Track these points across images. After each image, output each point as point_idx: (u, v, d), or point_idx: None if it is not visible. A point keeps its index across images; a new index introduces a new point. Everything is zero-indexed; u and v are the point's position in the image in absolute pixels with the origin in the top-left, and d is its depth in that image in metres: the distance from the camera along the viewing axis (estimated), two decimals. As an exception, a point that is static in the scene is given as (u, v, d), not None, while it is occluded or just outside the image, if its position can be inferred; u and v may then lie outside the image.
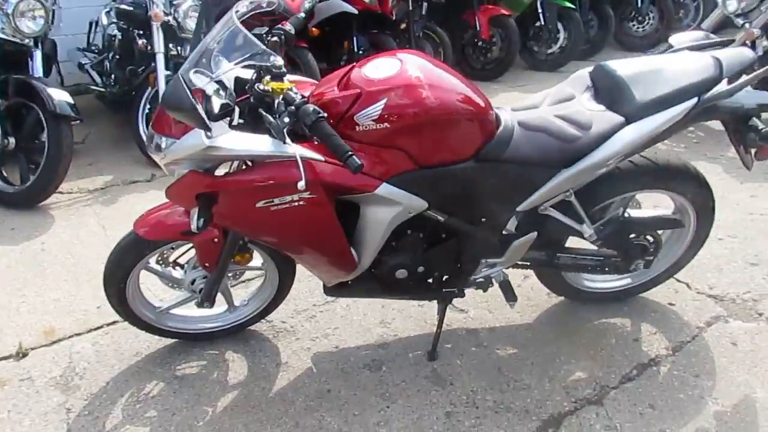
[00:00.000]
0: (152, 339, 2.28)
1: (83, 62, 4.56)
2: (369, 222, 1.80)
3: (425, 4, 5.17)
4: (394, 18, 4.73)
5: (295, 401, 2.02)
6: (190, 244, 2.04)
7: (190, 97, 1.41)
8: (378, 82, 1.66)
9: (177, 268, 2.13)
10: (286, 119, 1.53)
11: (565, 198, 1.89)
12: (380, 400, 2.01)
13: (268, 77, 1.65)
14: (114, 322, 2.38)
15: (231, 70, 1.61)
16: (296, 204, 1.67)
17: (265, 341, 2.30)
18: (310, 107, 1.50)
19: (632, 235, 2.09)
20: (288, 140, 1.52)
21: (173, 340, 2.28)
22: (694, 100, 1.77)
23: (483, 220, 1.89)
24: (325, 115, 1.51)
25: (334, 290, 2.07)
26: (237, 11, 1.71)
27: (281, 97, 1.58)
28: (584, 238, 2.00)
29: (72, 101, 3.25)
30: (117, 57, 4.20)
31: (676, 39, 3.77)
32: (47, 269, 2.75)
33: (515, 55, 5.43)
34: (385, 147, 1.68)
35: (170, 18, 3.79)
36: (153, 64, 3.82)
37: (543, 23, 5.58)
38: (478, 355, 2.19)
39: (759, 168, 3.53)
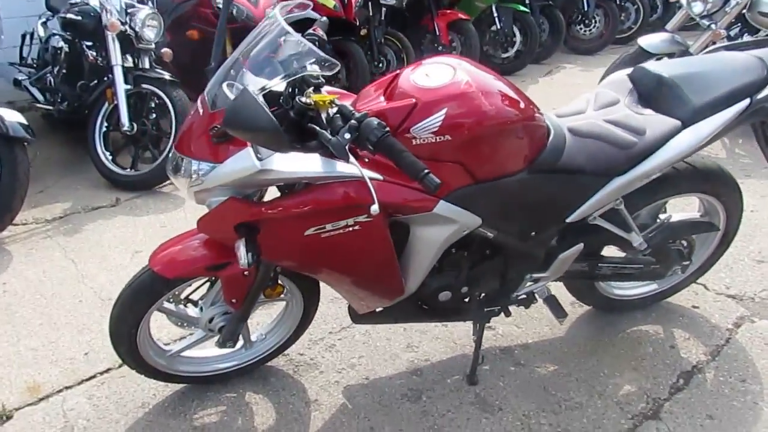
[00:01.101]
0: (157, 386, 2.03)
1: (20, 78, 4.16)
2: (421, 243, 1.65)
3: (384, 10, 5.05)
4: (357, 24, 4.60)
5: (337, 444, 1.83)
6: (203, 279, 1.83)
7: (270, 114, 1.22)
8: (435, 91, 1.51)
9: (190, 305, 1.90)
10: (347, 135, 1.35)
11: (614, 206, 1.81)
12: (430, 434, 1.86)
13: (310, 89, 1.48)
14: (108, 370, 2.12)
15: (276, 83, 1.42)
16: (351, 229, 1.50)
17: (286, 378, 2.09)
18: (374, 121, 1.33)
19: (671, 241, 2.04)
20: (352, 159, 1.35)
21: (182, 385, 2.04)
22: (747, 101, 1.73)
23: (533, 234, 1.78)
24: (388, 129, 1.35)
25: (364, 317, 1.90)
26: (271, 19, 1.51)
27: (335, 110, 1.41)
28: (633, 248, 1.92)
29: (25, 121, 2.91)
30: (63, 71, 3.84)
31: (646, 41, 3.88)
32: (16, 313, 2.42)
33: (475, 59, 5.39)
34: (443, 161, 1.53)
35: (127, 27, 3.50)
36: (107, 78, 3.51)
37: (499, 28, 5.60)
38: (520, 375, 2.07)
39: (737, 164, 3.67)
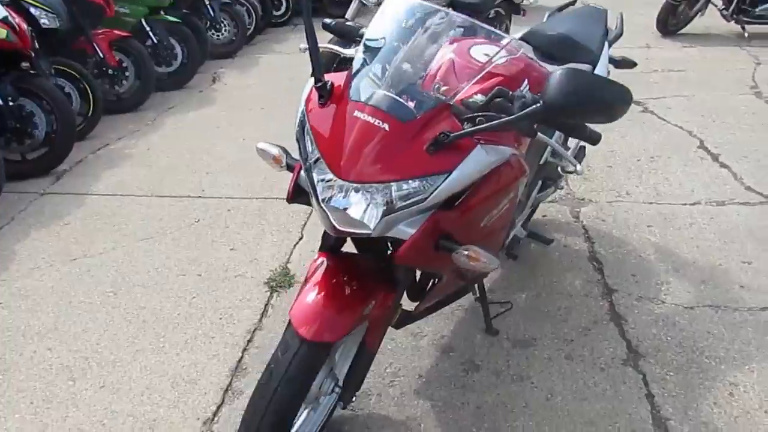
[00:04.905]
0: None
1: None
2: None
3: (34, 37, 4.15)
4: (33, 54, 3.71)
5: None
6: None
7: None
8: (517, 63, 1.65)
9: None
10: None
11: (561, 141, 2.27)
12: None
13: None
14: None
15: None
16: (511, 195, 1.55)
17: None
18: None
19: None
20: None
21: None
22: (606, 43, 2.39)
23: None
24: None
25: (402, 321, 1.88)
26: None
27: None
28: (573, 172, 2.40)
29: None
30: None
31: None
32: None
33: (153, 77, 4.99)
34: None
35: None
36: None
37: (155, 42, 5.25)
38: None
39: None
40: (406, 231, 1.35)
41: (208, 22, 6.42)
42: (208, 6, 6.37)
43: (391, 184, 1.29)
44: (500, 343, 2.23)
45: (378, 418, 1.93)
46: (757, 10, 6.21)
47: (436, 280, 1.75)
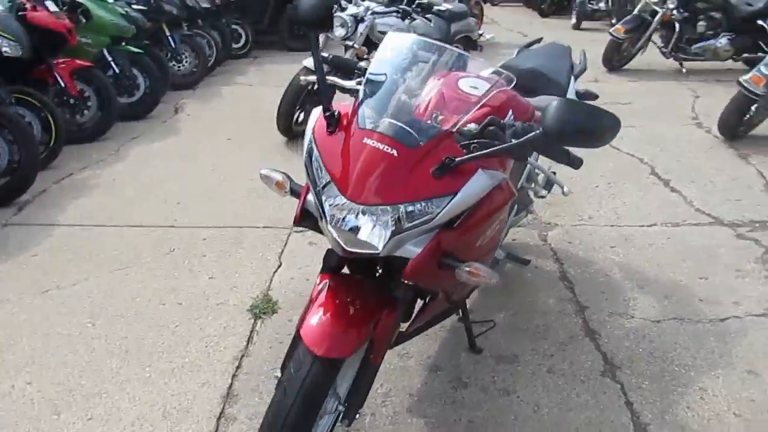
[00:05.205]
0: None
1: None
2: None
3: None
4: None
5: None
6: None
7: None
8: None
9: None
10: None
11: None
12: None
13: None
14: None
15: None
16: (501, 217, 1.66)
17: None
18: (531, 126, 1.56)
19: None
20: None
21: None
22: (572, 77, 2.56)
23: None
24: None
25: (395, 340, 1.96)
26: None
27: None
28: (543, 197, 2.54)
29: None
30: None
31: (310, 61, 4.48)
32: None
33: (116, 107, 4.94)
34: None
35: None
36: None
37: (117, 72, 5.23)
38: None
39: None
40: (413, 250, 1.43)
41: (169, 53, 6.43)
42: (169, 37, 6.40)
43: (400, 205, 1.37)
44: (485, 360, 2.31)
45: (374, 438, 1.98)
46: (692, 48, 6.70)
47: (427, 300, 1.83)
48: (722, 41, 6.52)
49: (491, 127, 1.53)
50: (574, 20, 11.32)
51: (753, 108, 4.41)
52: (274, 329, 2.51)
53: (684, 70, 6.78)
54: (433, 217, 1.38)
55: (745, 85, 4.20)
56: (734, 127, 4.51)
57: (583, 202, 3.63)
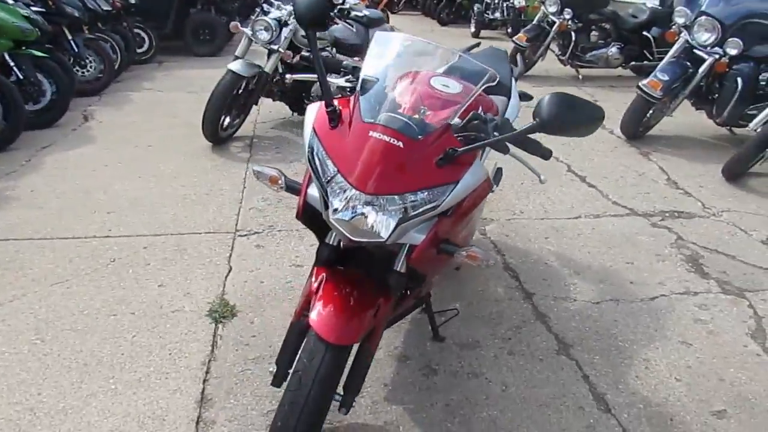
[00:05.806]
0: None
1: None
2: None
3: None
4: None
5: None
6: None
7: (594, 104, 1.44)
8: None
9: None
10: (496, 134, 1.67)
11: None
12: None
13: None
14: None
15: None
16: (482, 206, 1.79)
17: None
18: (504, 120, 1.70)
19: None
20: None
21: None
22: (513, 79, 2.76)
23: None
24: None
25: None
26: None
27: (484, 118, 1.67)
28: None
29: None
30: None
31: (235, 66, 4.44)
32: None
33: (23, 114, 4.61)
34: None
35: None
36: None
37: (21, 78, 4.88)
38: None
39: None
40: (417, 237, 1.52)
41: (71, 58, 6.06)
42: (71, 41, 6.04)
43: (407, 194, 1.45)
44: (449, 347, 2.43)
45: (358, 427, 2.03)
46: (587, 56, 7.28)
47: (407, 291, 1.92)
48: (612, 50, 7.15)
49: (475, 122, 1.65)
50: (473, 29, 11.86)
51: (651, 110, 4.89)
52: (237, 332, 2.49)
53: (580, 77, 7.35)
54: (438, 205, 1.47)
55: (644, 89, 4.66)
56: (635, 128, 4.98)
57: (513, 198, 3.87)
